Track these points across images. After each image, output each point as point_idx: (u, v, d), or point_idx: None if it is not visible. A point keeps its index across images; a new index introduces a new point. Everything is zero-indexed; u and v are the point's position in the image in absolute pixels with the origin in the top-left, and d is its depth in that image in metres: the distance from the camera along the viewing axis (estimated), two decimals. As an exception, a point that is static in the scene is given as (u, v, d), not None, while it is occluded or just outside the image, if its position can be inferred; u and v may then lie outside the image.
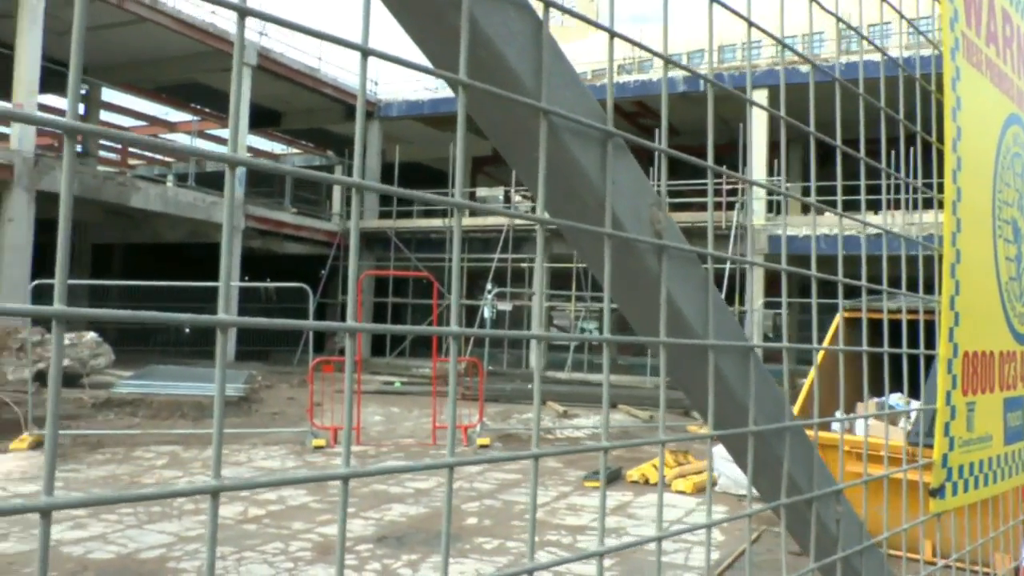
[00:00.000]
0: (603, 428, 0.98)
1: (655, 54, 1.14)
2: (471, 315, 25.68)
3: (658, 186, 1.11)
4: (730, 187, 22.02)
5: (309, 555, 6.79)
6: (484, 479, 10.18)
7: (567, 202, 1.08)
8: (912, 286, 1.96)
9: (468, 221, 27.15)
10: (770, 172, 23.31)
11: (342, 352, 24.63)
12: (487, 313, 24.44)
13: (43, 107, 25.44)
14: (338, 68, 48.16)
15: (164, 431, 12.56)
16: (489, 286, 25.18)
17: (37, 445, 11.43)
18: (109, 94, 30.94)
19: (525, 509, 8.61)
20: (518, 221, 25.04)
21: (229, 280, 0.69)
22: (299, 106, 30.17)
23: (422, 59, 0.95)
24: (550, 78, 1.00)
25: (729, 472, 8.88)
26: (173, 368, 17.23)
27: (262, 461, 11.08)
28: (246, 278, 24.05)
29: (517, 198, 30.11)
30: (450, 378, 0.82)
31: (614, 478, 10.19)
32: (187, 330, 28.51)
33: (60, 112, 30.07)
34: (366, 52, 0.76)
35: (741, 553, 6.87)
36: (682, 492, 9.51)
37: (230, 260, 0.68)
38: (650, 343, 1.13)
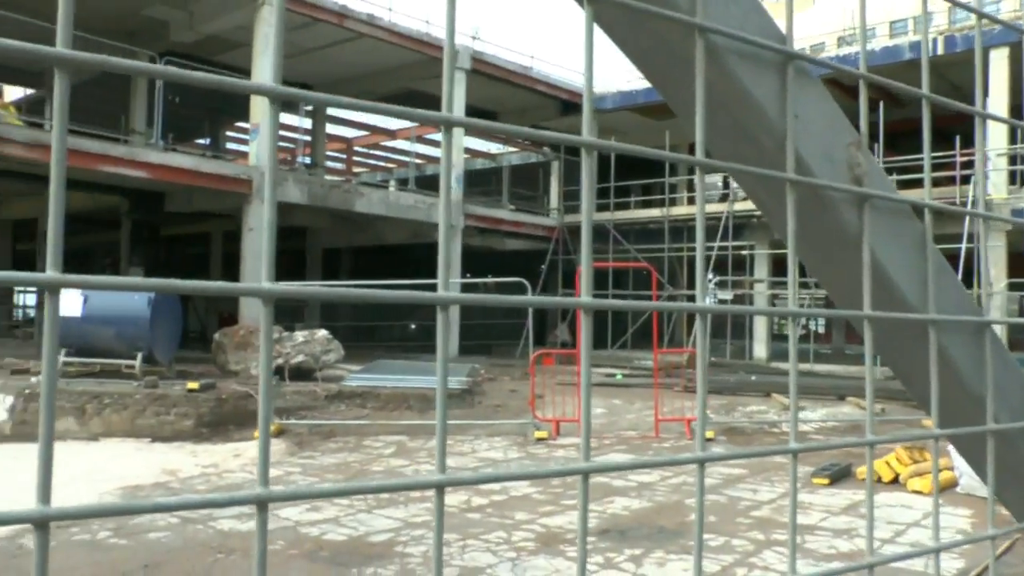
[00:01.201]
0: (791, 428, 0.86)
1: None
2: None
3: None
4: (965, 158, 20.37)
5: (532, 545, 6.86)
6: (708, 473, 9.90)
7: (738, 144, 0.90)
8: None
9: (684, 209, 26.73)
10: (1012, 140, 21.38)
11: (563, 345, 24.84)
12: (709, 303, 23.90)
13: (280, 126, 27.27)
14: (550, 65, 48.66)
15: (391, 422, 13.13)
16: (710, 275, 24.65)
17: (279, 433, 12.28)
18: (334, 108, 32.75)
19: (751, 505, 8.32)
20: (737, 207, 24.36)
21: (448, 260, 0.66)
22: (513, 105, 30.75)
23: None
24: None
25: (971, 471, 8.19)
26: (399, 362, 18.00)
27: (485, 452, 11.35)
28: (467, 275, 24.80)
29: (736, 184, 29.29)
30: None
31: (843, 475, 9.66)
32: (412, 326, 29.80)
33: (293, 128, 32.19)
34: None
35: (986, 568, 6.31)
36: (918, 492, 8.85)
37: (448, 235, 0.65)
38: (851, 318, 0.92)
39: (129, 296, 15.38)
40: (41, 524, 0.54)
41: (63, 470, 10.26)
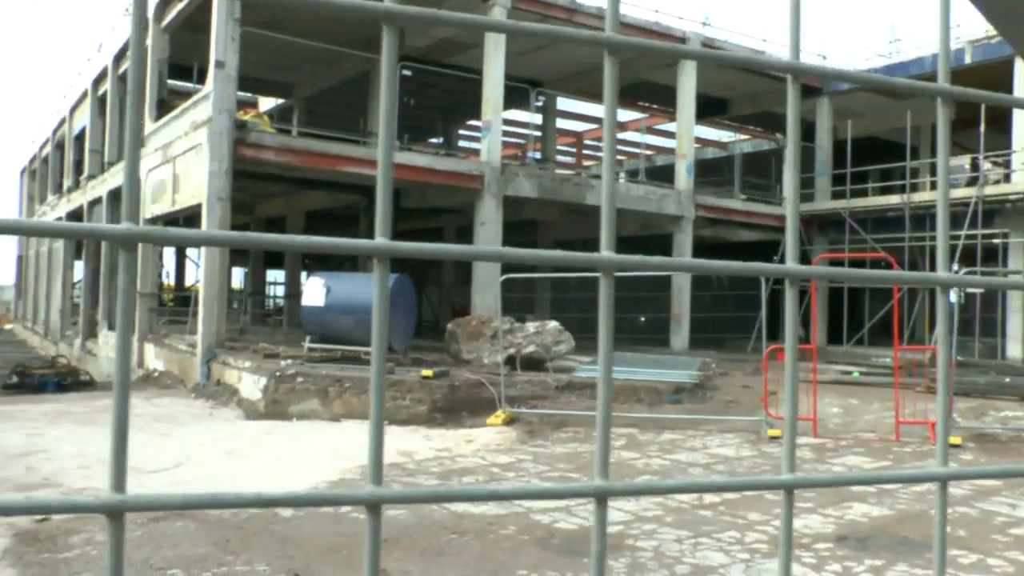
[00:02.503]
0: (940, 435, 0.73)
1: None
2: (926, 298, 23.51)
3: None
4: None
5: (765, 547, 6.63)
6: (957, 483, 9.22)
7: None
8: None
9: (926, 195, 24.94)
10: None
11: (800, 340, 24.03)
12: (952, 298, 22.20)
13: (506, 121, 27.87)
14: (784, 48, 46.89)
15: (622, 414, 13.10)
16: (955, 266, 22.88)
17: (510, 421, 12.57)
18: (563, 102, 33.08)
19: (1009, 522, 7.64)
20: (988, 191, 22.45)
21: (613, 218, 0.61)
22: (745, 91, 29.87)
23: None
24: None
25: None
26: (629, 355, 17.95)
27: (717, 448, 11.09)
28: (697, 267, 24.34)
29: (987, 166, 27.04)
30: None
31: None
32: (642, 319, 29.65)
33: (523, 124, 32.84)
34: None
35: None
36: None
37: (611, 183, 0.60)
38: None
39: (368, 287, 16.24)
40: (116, 515, 0.54)
41: (310, 446, 11.01)
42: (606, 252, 0.66)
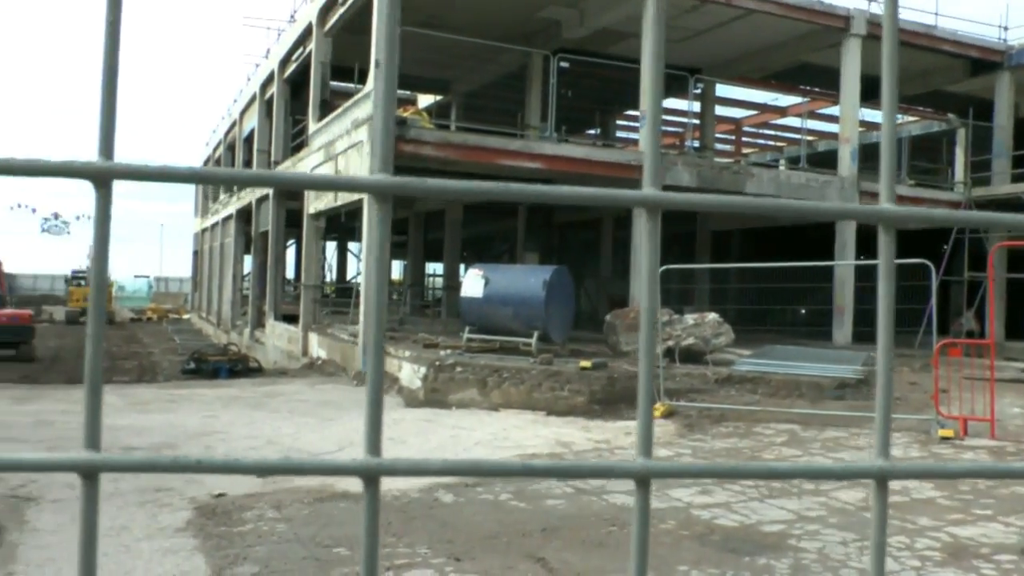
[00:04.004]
0: None
1: None
2: None
3: None
4: None
5: (938, 556, 6.32)
6: None
7: None
8: None
9: None
10: None
11: (969, 334, 22.62)
12: None
13: (665, 109, 27.54)
14: (956, 20, 44.37)
15: (783, 409, 12.76)
16: None
17: (669, 414, 12.45)
18: (722, 89, 32.37)
19: None
20: None
21: (656, 152, 0.60)
22: (913, 69, 28.38)
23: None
24: None
25: None
26: (791, 348, 17.42)
27: (883, 446, 10.65)
28: (862, 257, 23.38)
29: None
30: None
31: None
32: (803, 311, 28.74)
33: (679, 112, 32.35)
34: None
35: None
36: None
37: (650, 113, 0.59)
38: None
39: (526, 279, 16.41)
40: (88, 474, 0.57)
41: (469, 434, 11.23)
42: (649, 189, 0.66)
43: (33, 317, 29.94)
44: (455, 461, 0.64)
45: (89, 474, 0.62)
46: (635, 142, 23.73)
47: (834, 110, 31.36)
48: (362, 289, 19.36)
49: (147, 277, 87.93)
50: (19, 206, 79.61)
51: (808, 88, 32.10)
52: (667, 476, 0.61)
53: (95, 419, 0.62)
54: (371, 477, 0.62)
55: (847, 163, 23.77)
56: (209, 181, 0.68)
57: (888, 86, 0.73)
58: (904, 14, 25.60)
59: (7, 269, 52.64)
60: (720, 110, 35.08)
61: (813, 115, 35.10)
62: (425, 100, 33.41)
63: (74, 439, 9.77)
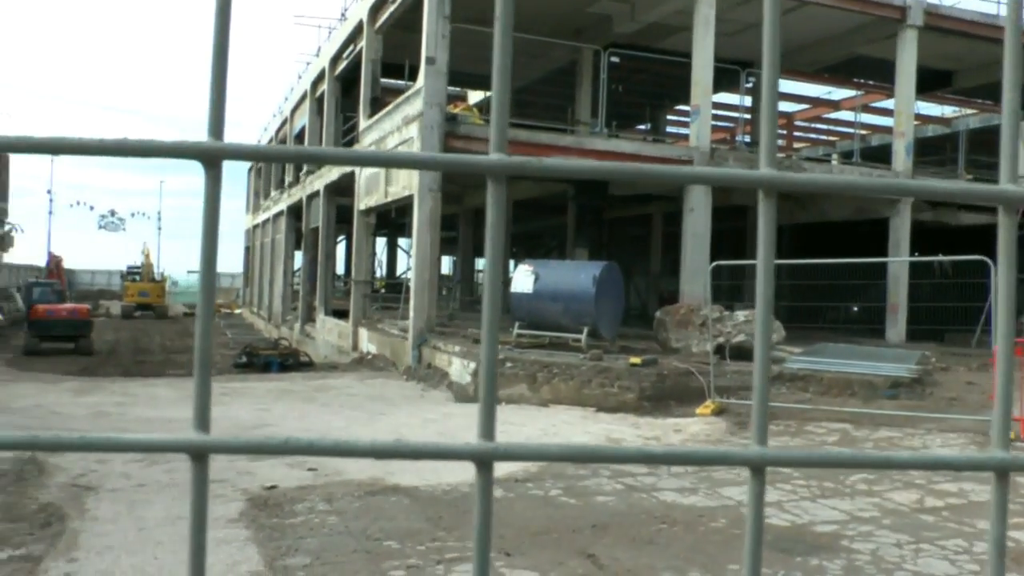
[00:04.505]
0: None
1: None
2: None
3: None
4: None
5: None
6: None
7: None
8: None
9: None
10: None
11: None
12: None
13: (715, 104, 27.29)
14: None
15: (834, 408, 12.58)
16: None
17: (719, 411, 12.34)
18: (774, 82, 31.90)
19: None
20: None
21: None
22: (974, 61, 27.77)
23: None
24: None
25: None
26: (842, 346, 17.17)
27: (939, 449, 10.46)
28: (915, 253, 22.96)
29: None
30: None
31: None
32: (855, 308, 28.31)
33: (731, 107, 32.04)
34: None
35: None
36: None
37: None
38: None
39: (577, 275, 16.39)
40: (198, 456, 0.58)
41: (519, 429, 11.25)
42: (766, 169, 0.65)
43: (91, 311, 30.58)
44: (571, 446, 0.65)
45: (199, 455, 0.63)
46: (685, 137, 23.49)
47: (888, 103, 30.84)
48: (412, 284, 19.46)
49: (197, 273, 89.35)
50: (77, 203, 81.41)
51: (861, 81, 31.59)
52: (782, 464, 0.62)
53: (205, 402, 0.64)
54: (484, 462, 0.63)
55: (901, 157, 23.33)
56: (312, 160, 0.71)
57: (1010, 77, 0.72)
58: (964, 2, 25.06)
59: (66, 265, 53.88)
60: (772, 104, 34.55)
61: (866, 109, 34.53)
62: (475, 96, 33.48)
63: (131, 430, 9.97)
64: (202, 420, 0.63)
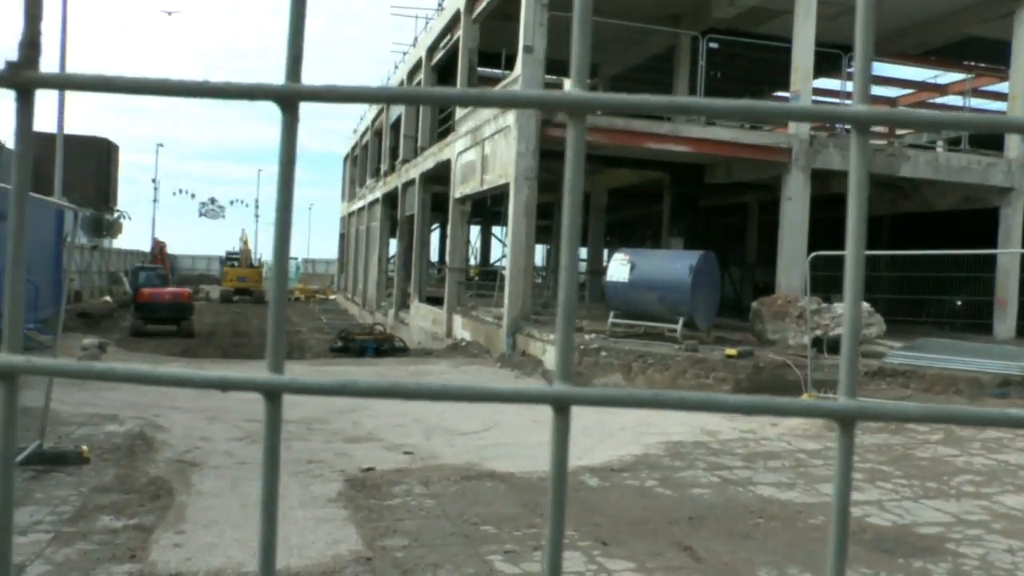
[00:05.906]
0: None
1: None
2: None
3: None
4: None
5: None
6: None
7: None
8: None
9: None
10: None
11: None
12: None
13: (817, 91, 26.62)
14: None
15: (940, 405, 12.18)
16: None
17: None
18: (877, 67, 31.01)
19: None
20: None
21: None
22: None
23: None
24: None
25: None
26: (946, 342, 16.61)
27: (1051, 447, 10.05)
28: (1029, 246, 22.00)
29: None
30: None
31: None
32: (959, 303, 27.32)
33: (833, 94, 31.23)
34: None
35: None
36: None
37: None
38: None
39: (672, 264, 16.24)
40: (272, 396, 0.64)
41: (614, 419, 11.21)
42: (861, 105, 0.64)
43: (192, 295, 31.66)
44: (657, 393, 0.65)
45: (272, 395, 0.66)
46: (784, 124, 22.97)
47: (1002, 87, 29.56)
48: (507, 272, 19.57)
49: (295, 259, 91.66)
50: (180, 192, 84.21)
51: (972, 64, 30.37)
52: (872, 418, 0.62)
53: (279, 345, 0.66)
54: (562, 406, 0.65)
55: (1016, 143, 22.33)
56: (391, 100, 0.68)
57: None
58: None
59: (169, 250, 55.76)
60: (874, 89, 33.53)
61: (976, 93, 33.20)
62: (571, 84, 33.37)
63: (232, 410, 10.31)
64: (276, 363, 0.66)
